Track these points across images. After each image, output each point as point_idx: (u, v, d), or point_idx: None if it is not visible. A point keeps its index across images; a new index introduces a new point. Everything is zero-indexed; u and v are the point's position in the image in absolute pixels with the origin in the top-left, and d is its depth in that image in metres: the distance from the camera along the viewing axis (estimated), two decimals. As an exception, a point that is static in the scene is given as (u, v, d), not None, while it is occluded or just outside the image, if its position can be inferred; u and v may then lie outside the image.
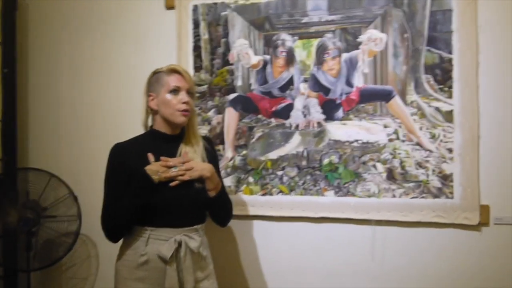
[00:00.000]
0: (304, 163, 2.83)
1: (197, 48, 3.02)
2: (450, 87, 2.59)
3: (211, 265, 2.42)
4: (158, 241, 2.24)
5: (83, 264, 3.33)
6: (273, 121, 2.90)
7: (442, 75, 2.61)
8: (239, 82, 2.94)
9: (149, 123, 2.43)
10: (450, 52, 2.59)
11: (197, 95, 2.98)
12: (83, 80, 3.31)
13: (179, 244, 2.25)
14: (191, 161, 2.31)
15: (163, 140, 2.35)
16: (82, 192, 3.13)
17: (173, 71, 2.35)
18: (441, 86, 2.61)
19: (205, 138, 2.54)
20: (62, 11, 3.36)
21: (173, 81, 2.31)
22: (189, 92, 2.33)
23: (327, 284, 2.83)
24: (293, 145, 2.85)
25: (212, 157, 2.47)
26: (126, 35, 3.22)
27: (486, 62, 2.56)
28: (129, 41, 3.21)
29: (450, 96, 2.59)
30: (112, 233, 2.31)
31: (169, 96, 2.30)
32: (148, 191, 2.21)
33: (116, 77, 3.24)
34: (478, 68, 2.56)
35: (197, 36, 3.02)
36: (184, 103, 2.29)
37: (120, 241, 2.35)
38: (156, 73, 2.38)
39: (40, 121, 3.40)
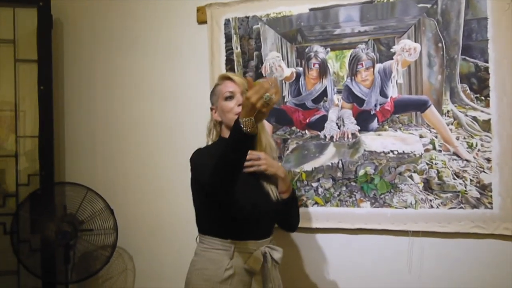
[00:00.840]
0: (339, 174, 2.82)
1: (229, 62, 3.04)
2: (487, 96, 2.56)
3: (279, 275, 2.40)
4: (243, 254, 2.23)
5: (120, 277, 3.35)
6: (307, 133, 2.90)
7: (478, 84, 2.58)
8: (272, 95, 2.94)
9: (213, 135, 2.45)
10: (486, 61, 2.56)
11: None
12: (117, 96, 3.36)
13: (264, 256, 2.25)
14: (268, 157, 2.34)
15: None
16: (118, 205, 3.16)
17: (224, 78, 2.39)
18: (477, 95, 2.58)
19: None
20: (96, 29, 3.42)
21: (225, 87, 2.34)
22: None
23: (365, 296, 2.81)
24: (328, 157, 2.84)
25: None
26: (159, 51, 3.26)
27: (523, 70, 2.53)
28: (162, 57, 3.24)
29: (487, 105, 2.56)
30: (226, 175, 2.01)
31: (225, 103, 2.32)
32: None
33: (149, 92, 3.28)
34: (516, 77, 2.53)
35: (229, 50, 3.04)
36: (239, 105, 2.26)
37: (193, 254, 2.33)
38: (214, 86, 2.43)
39: (75, 137, 3.45)
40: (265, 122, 2.89)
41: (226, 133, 2.33)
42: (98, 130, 3.41)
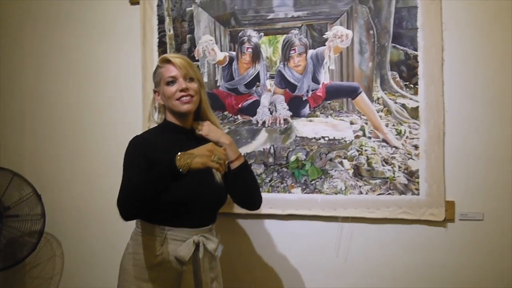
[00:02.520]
0: (271, 160, 2.81)
1: (162, 44, 2.99)
2: (416, 83, 2.59)
3: (219, 266, 2.37)
4: (175, 242, 2.16)
5: (48, 264, 3.28)
6: (240, 118, 2.89)
7: (408, 72, 2.61)
8: (204, 79, 2.91)
9: (155, 118, 2.37)
10: (416, 49, 2.59)
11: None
12: (48, 77, 3.27)
13: (197, 245, 2.18)
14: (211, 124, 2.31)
15: (180, 132, 2.27)
16: (46, 190, 3.08)
17: (165, 61, 2.27)
18: (406, 83, 2.62)
19: None
20: (28, 7, 3.31)
21: (166, 72, 2.24)
22: (189, 78, 2.23)
23: (294, 280, 2.82)
24: (260, 142, 2.83)
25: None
26: (91, 30, 3.18)
27: (450, 59, 2.57)
28: (94, 36, 3.17)
29: (415, 93, 2.60)
30: (131, 208, 2.01)
31: (167, 88, 2.23)
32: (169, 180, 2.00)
33: (81, 73, 3.20)
34: (443, 65, 2.57)
35: (162, 32, 2.99)
36: (181, 90, 2.20)
37: (128, 238, 2.27)
38: (156, 68, 2.33)
39: (3, 118, 3.33)
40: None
41: (170, 118, 2.28)
42: (27, 111, 3.31)
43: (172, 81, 2.22)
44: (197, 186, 2.17)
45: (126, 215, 1.99)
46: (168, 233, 2.17)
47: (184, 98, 2.20)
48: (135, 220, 2.26)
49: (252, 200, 2.39)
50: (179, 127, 2.28)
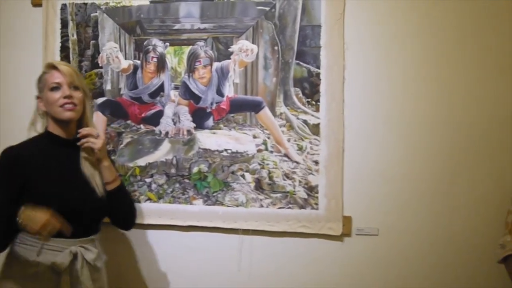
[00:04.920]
0: (173, 171, 2.79)
1: (64, 49, 2.91)
2: (318, 100, 2.65)
3: (104, 277, 2.33)
4: (52, 252, 2.12)
5: None
6: (143, 127, 2.85)
7: (310, 89, 2.66)
8: (108, 86, 2.86)
9: (38, 127, 2.31)
10: (318, 67, 2.64)
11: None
12: None
13: (75, 256, 2.14)
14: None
15: (58, 143, 2.23)
16: None
17: (50, 67, 2.24)
18: (309, 100, 2.66)
19: None
20: None
21: (51, 77, 2.20)
22: (73, 86, 2.20)
23: (193, 293, 2.82)
24: (163, 153, 2.81)
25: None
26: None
27: (351, 78, 2.63)
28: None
29: (317, 110, 2.65)
30: None
31: (51, 94, 2.19)
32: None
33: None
34: (344, 83, 2.63)
35: (65, 37, 2.91)
36: (65, 97, 2.17)
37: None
38: (41, 74, 2.28)
39: None
40: (99, 113, 2.85)
41: (52, 127, 2.24)
42: None
43: (56, 87, 2.19)
44: (72, 198, 2.16)
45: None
46: (45, 243, 2.12)
47: (67, 105, 2.17)
48: None
49: (123, 222, 2.47)
50: (60, 139, 2.24)
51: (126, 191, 2.45)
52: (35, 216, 2.02)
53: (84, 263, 2.16)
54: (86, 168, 2.24)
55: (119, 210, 2.37)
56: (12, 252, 2.18)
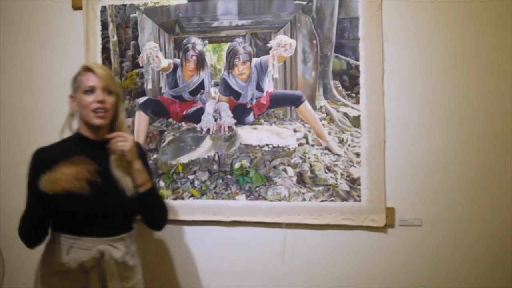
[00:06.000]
0: (215, 167, 2.82)
1: (105, 50, 2.96)
2: (357, 93, 2.65)
3: (139, 274, 2.35)
4: (80, 250, 2.15)
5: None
6: (184, 125, 2.88)
7: (350, 81, 2.66)
8: (149, 86, 2.90)
9: (74, 126, 2.32)
10: (357, 59, 2.65)
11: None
12: (-13, 82, 3.18)
13: (102, 253, 2.17)
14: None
15: (88, 145, 2.24)
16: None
17: (86, 69, 2.24)
18: (348, 92, 2.67)
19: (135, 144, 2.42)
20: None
21: (86, 80, 2.20)
22: (107, 90, 2.21)
23: (238, 286, 2.83)
24: (204, 149, 2.84)
25: (144, 161, 2.38)
26: (33, 35, 3.09)
27: (391, 69, 2.63)
28: (36, 41, 3.09)
29: (357, 102, 2.65)
30: (25, 239, 2.15)
31: (84, 97, 2.19)
32: (44, 202, 2.08)
33: (22, 79, 3.11)
34: (384, 75, 2.63)
35: (106, 38, 2.96)
36: (98, 102, 2.18)
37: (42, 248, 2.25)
38: (77, 73, 2.28)
39: None
40: (141, 113, 2.88)
41: (83, 128, 2.27)
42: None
43: (91, 90, 2.20)
44: (101, 199, 2.16)
45: (28, 246, 2.16)
46: (74, 242, 2.17)
47: (99, 110, 2.18)
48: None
49: (154, 223, 2.45)
50: (90, 141, 2.26)
51: (157, 193, 2.46)
52: (56, 176, 2.02)
53: (112, 261, 2.18)
54: (116, 169, 2.25)
55: (150, 212, 2.37)
56: (45, 251, 2.24)
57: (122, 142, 2.22)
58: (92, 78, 2.21)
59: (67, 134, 2.32)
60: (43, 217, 2.13)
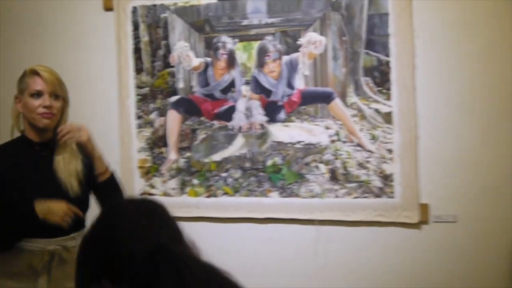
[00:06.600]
0: (248, 164, 2.84)
1: (137, 50, 2.99)
2: (388, 89, 2.63)
3: None
4: (31, 252, 2.11)
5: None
6: (216, 123, 2.90)
7: (381, 78, 2.65)
8: (180, 85, 2.93)
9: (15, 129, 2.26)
10: (388, 55, 2.63)
11: (139, 97, 2.96)
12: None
13: (52, 255, 2.13)
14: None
15: (35, 148, 2.20)
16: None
17: (33, 72, 2.17)
18: (379, 88, 2.65)
19: None
20: (-1, 12, 3.28)
21: (33, 84, 2.14)
22: (54, 95, 2.16)
23: (272, 283, 2.85)
24: (237, 147, 2.86)
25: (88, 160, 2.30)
26: (64, 36, 3.15)
27: (422, 65, 2.61)
28: (67, 43, 3.14)
29: (388, 98, 2.64)
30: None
31: (30, 100, 2.13)
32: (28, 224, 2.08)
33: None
34: (415, 71, 2.61)
35: (137, 38, 2.99)
36: (45, 107, 2.12)
37: None
38: (23, 73, 2.21)
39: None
40: (173, 111, 2.91)
41: (28, 132, 2.21)
42: (3, 120, 3.27)
43: (37, 94, 2.15)
44: (43, 200, 2.11)
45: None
46: (24, 244, 2.12)
47: (46, 114, 2.14)
48: None
49: None
50: (34, 143, 2.21)
51: (117, 181, 2.36)
52: (53, 208, 2.06)
53: (60, 262, 2.14)
54: (60, 170, 2.20)
55: (114, 199, 2.22)
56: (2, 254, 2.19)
57: (78, 133, 2.19)
58: (39, 82, 2.15)
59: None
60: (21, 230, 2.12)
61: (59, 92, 2.19)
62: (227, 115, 2.88)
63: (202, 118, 2.92)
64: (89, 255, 1.15)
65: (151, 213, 1.18)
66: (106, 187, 2.29)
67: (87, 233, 1.19)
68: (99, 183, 2.26)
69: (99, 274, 1.09)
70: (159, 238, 1.10)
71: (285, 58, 2.77)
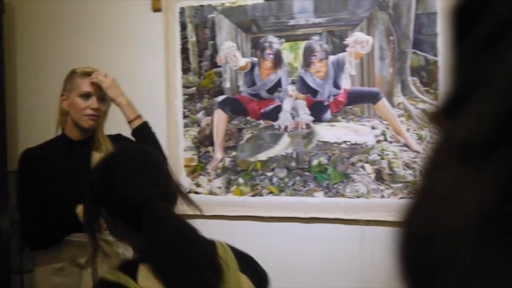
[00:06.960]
0: (293, 164, 2.85)
1: (184, 51, 3.03)
2: (436, 89, 2.61)
3: None
4: (74, 247, 2.16)
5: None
6: (262, 122, 2.92)
7: (428, 77, 2.63)
8: (227, 84, 2.96)
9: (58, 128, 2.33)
10: (436, 55, 2.61)
11: (186, 97, 2.99)
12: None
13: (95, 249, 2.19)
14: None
15: (75, 146, 2.26)
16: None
17: (86, 74, 2.25)
18: (427, 88, 2.63)
19: (118, 137, 2.43)
20: (49, 12, 3.34)
21: (84, 85, 2.22)
22: (102, 98, 2.25)
23: (317, 284, 2.85)
24: (282, 147, 2.87)
25: None
26: (113, 37, 3.21)
27: (471, 64, 2.57)
28: (115, 43, 3.20)
29: (436, 98, 2.61)
30: (36, 248, 2.24)
31: (78, 100, 2.21)
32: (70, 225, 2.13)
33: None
34: (464, 70, 2.58)
35: (184, 39, 3.03)
36: (92, 109, 2.20)
37: None
38: (72, 72, 2.29)
39: (29, 124, 3.39)
40: (219, 111, 2.94)
41: (71, 131, 2.27)
42: (51, 117, 3.34)
43: (86, 95, 2.21)
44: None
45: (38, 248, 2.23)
46: (68, 238, 2.16)
47: (92, 116, 2.20)
48: None
49: None
50: (75, 142, 2.26)
51: (151, 129, 2.34)
52: None
53: (103, 255, 2.16)
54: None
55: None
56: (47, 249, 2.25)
57: (101, 77, 2.23)
58: (91, 84, 2.23)
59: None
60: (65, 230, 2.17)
61: (106, 96, 2.25)
62: (273, 114, 2.90)
63: (248, 118, 2.95)
64: (92, 183, 1.39)
65: (149, 168, 1.38)
66: (139, 135, 2.28)
67: (96, 165, 1.49)
68: (132, 132, 2.28)
69: (99, 199, 1.37)
70: (149, 191, 1.30)
71: (332, 58, 2.78)
